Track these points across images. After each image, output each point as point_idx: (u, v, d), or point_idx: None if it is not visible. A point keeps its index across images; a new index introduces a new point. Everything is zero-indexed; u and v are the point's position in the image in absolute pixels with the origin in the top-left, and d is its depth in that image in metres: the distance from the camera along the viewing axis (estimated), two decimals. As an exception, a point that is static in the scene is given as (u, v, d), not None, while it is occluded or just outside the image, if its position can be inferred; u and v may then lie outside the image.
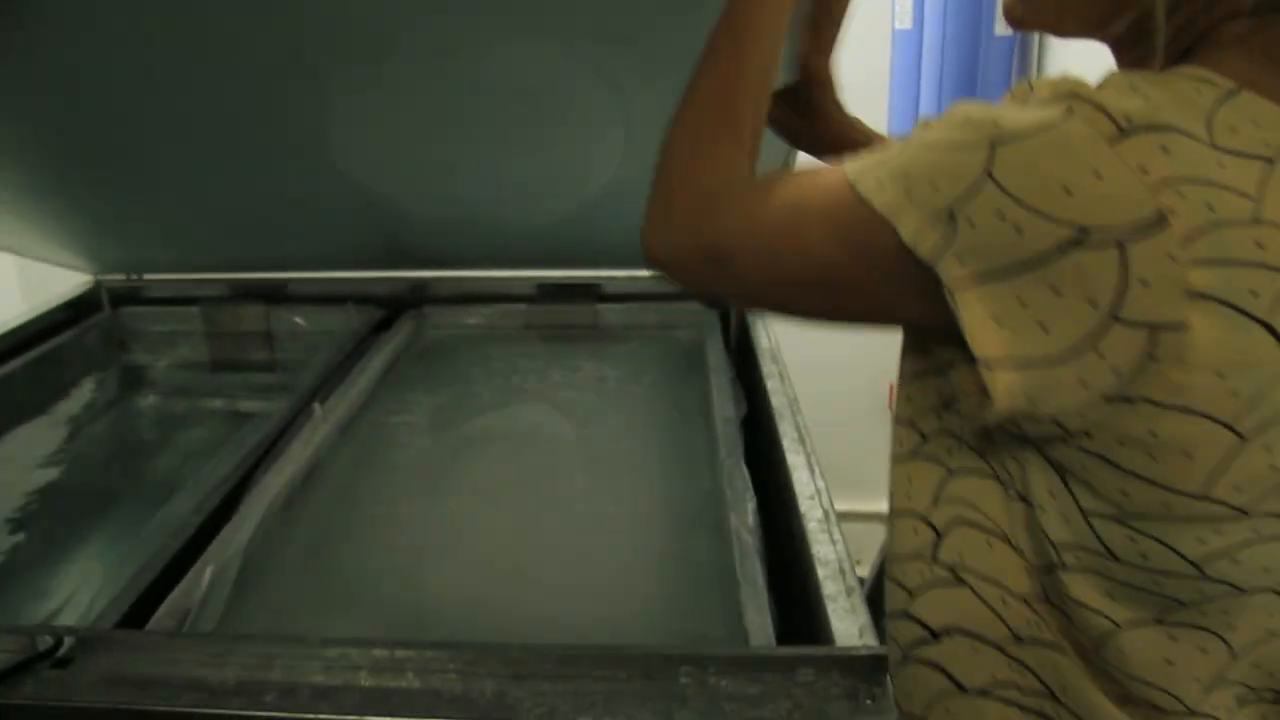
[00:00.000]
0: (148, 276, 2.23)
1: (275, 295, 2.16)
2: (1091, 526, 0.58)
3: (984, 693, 0.68)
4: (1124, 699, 0.63)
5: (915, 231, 0.56)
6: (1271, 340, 0.51)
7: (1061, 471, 0.59)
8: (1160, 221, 0.50)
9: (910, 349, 0.71)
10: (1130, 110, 0.52)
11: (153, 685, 0.88)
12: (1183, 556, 0.56)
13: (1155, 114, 0.52)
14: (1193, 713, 0.63)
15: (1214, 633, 0.60)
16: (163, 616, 1.05)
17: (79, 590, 1.40)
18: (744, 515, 1.21)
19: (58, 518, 1.60)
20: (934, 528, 0.68)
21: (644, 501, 1.38)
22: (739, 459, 1.36)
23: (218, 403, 2.07)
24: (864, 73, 2.72)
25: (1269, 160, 0.52)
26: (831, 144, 1.02)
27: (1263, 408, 0.52)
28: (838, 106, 1.03)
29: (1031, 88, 0.57)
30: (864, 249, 0.59)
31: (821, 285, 0.63)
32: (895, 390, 0.75)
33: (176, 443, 1.94)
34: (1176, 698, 0.62)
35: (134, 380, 2.13)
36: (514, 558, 1.24)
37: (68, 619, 1.30)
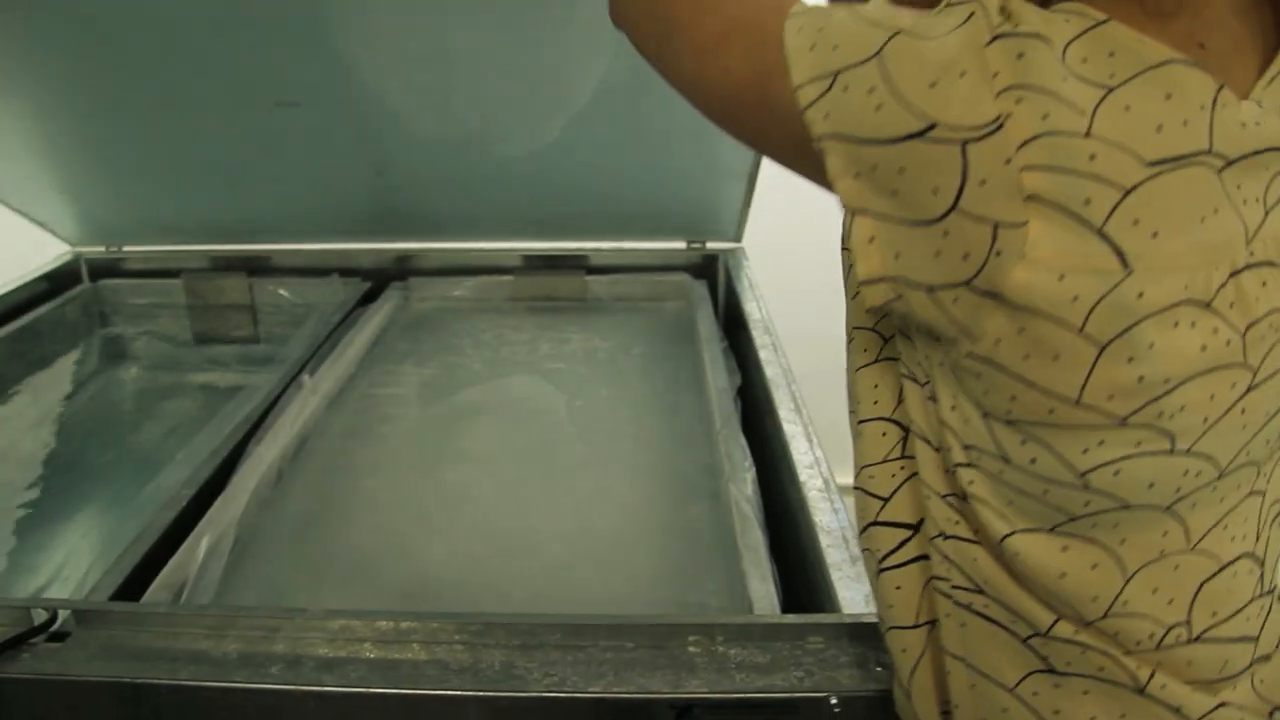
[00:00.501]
0: (127, 248, 2.19)
1: (258, 267, 2.13)
2: (990, 429, 0.60)
3: (929, 586, 0.69)
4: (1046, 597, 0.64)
5: (802, 79, 0.59)
6: (1110, 251, 0.53)
7: (959, 374, 0.61)
8: (998, 126, 0.53)
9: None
10: (1012, 17, 0.55)
11: (153, 658, 0.87)
12: (1068, 465, 0.58)
13: (1029, 23, 0.55)
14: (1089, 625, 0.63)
15: (1105, 548, 0.61)
16: (158, 589, 1.03)
17: (66, 565, 1.38)
18: (743, 485, 1.21)
19: (41, 492, 1.57)
20: (901, 427, 0.69)
21: (640, 472, 1.37)
22: (736, 429, 1.36)
23: (200, 376, 2.04)
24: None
25: (1110, 88, 0.54)
26: None
27: (1116, 318, 0.54)
28: None
29: None
30: (763, 77, 0.62)
31: (731, 95, 0.65)
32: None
33: (159, 415, 1.91)
34: (1076, 610, 0.63)
35: (115, 353, 2.10)
36: (512, 529, 1.23)
37: (57, 593, 1.29)
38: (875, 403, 0.71)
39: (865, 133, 0.57)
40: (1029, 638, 0.65)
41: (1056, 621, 0.63)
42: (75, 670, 0.85)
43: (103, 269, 2.18)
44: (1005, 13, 0.56)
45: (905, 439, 0.69)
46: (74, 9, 1.53)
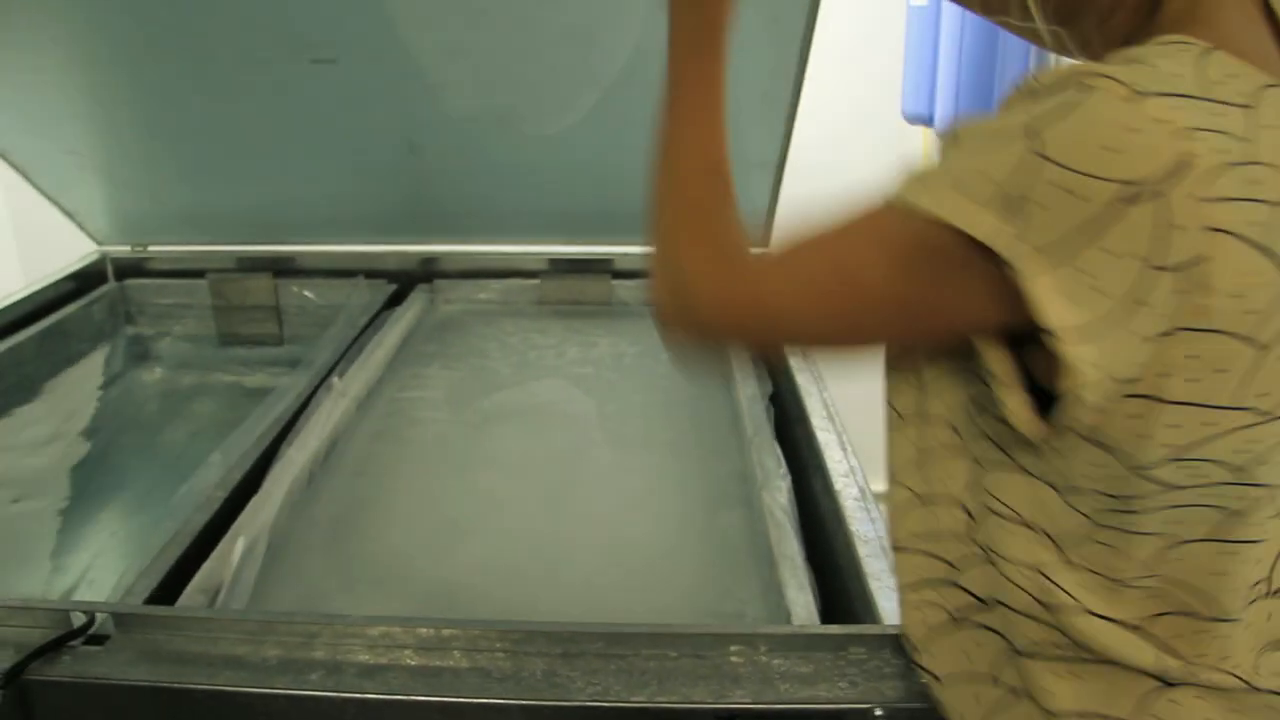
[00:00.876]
0: (153, 248, 2.20)
1: (283, 268, 2.13)
2: (1146, 475, 0.63)
3: (1031, 655, 0.71)
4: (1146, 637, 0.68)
5: (991, 228, 0.59)
6: (1271, 264, 0.57)
7: (1106, 441, 0.62)
8: (1184, 166, 0.55)
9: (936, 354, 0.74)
10: (1137, 78, 0.57)
11: (192, 663, 0.87)
12: (1227, 466, 0.62)
13: (1165, 80, 0.58)
14: (1228, 620, 0.68)
15: (1253, 541, 0.67)
16: (193, 592, 1.03)
17: (93, 566, 1.38)
18: (777, 493, 1.20)
19: (67, 492, 1.58)
20: (969, 513, 0.73)
21: (672, 479, 1.37)
22: (769, 436, 1.35)
23: (225, 377, 2.04)
24: (879, 50, 2.70)
25: (1248, 107, 0.58)
26: None
27: (1275, 321, 0.58)
28: None
29: (1037, 81, 0.62)
30: (931, 265, 0.62)
31: (891, 318, 0.66)
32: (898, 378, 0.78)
33: (184, 416, 1.91)
34: (1222, 607, 0.67)
35: (140, 353, 2.11)
36: (544, 535, 1.23)
37: (86, 594, 1.29)
38: (944, 484, 0.74)
39: (1072, 225, 0.57)
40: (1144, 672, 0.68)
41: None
42: (116, 674, 0.85)
43: (129, 268, 2.19)
44: (1129, 59, 0.59)
45: (972, 524, 0.73)
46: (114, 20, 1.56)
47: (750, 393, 1.50)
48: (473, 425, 1.53)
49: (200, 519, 1.17)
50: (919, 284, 0.63)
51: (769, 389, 1.53)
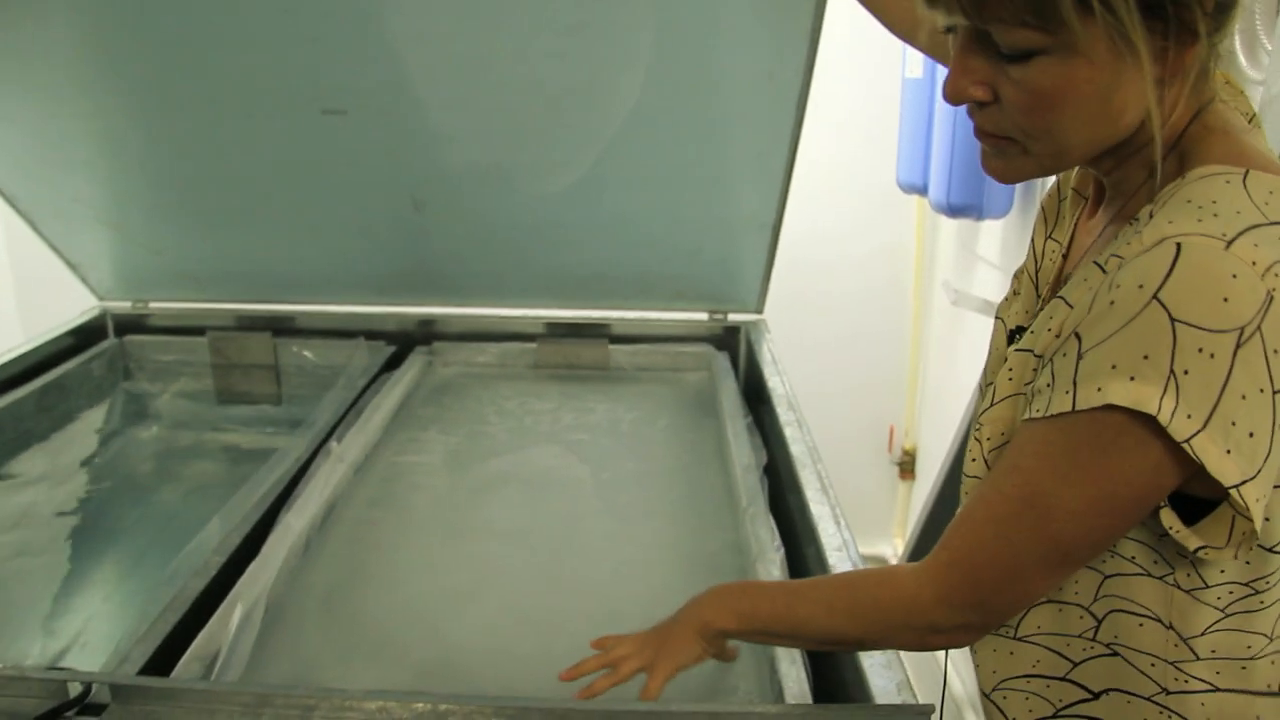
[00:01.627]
0: (154, 305, 2.22)
1: (282, 327, 2.15)
2: (1275, 551, 0.72)
3: None
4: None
5: (1167, 409, 0.65)
6: None
7: (1246, 531, 0.70)
8: (1271, 302, 0.64)
9: None
10: (1216, 227, 0.65)
11: (189, 735, 0.87)
12: None
13: (1233, 219, 0.66)
14: None
15: None
16: (190, 661, 1.03)
17: (86, 630, 1.38)
18: (771, 565, 1.21)
19: (62, 553, 1.57)
20: (1094, 615, 0.79)
21: (666, 550, 1.38)
22: (763, 508, 1.36)
23: (222, 437, 2.05)
24: (874, 121, 2.75)
25: None
26: None
27: None
28: None
29: (1119, 256, 0.70)
30: (1107, 454, 0.69)
31: (1092, 524, 0.72)
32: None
33: (181, 476, 1.92)
34: None
35: (138, 410, 2.12)
36: (539, 606, 1.23)
37: (77, 659, 1.28)
38: (1075, 594, 0.80)
39: (1214, 385, 0.65)
40: None
41: None
42: (113, 746, 0.86)
43: (129, 325, 2.21)
44: (1195, 206, 0.68)
45: (1097, 626, 0.80)
46: (119, 41, 1.61)
47: (745, 463, 1.51)
48: (469, 492, 1.54)
49: (197, 585, 1.18)
50: (1111, 483, 0.70)
51: (764, 459, 1.55)
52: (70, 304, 2.21)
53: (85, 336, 2.15)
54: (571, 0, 1.51)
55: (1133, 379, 0.66)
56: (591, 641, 0.97)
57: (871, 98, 2.73)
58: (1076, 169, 0.90)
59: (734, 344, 2.11)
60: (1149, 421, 0.66)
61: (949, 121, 2.23)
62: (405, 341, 2.10)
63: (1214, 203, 0.68)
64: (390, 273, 2.08)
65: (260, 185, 1.91)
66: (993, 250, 2.51)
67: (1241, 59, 1.48)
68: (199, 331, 2.17)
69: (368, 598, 1.25)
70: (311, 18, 1.54)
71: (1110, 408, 0.67)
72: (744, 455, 1.54)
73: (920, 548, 2.19)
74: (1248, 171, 0.69)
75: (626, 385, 2.01)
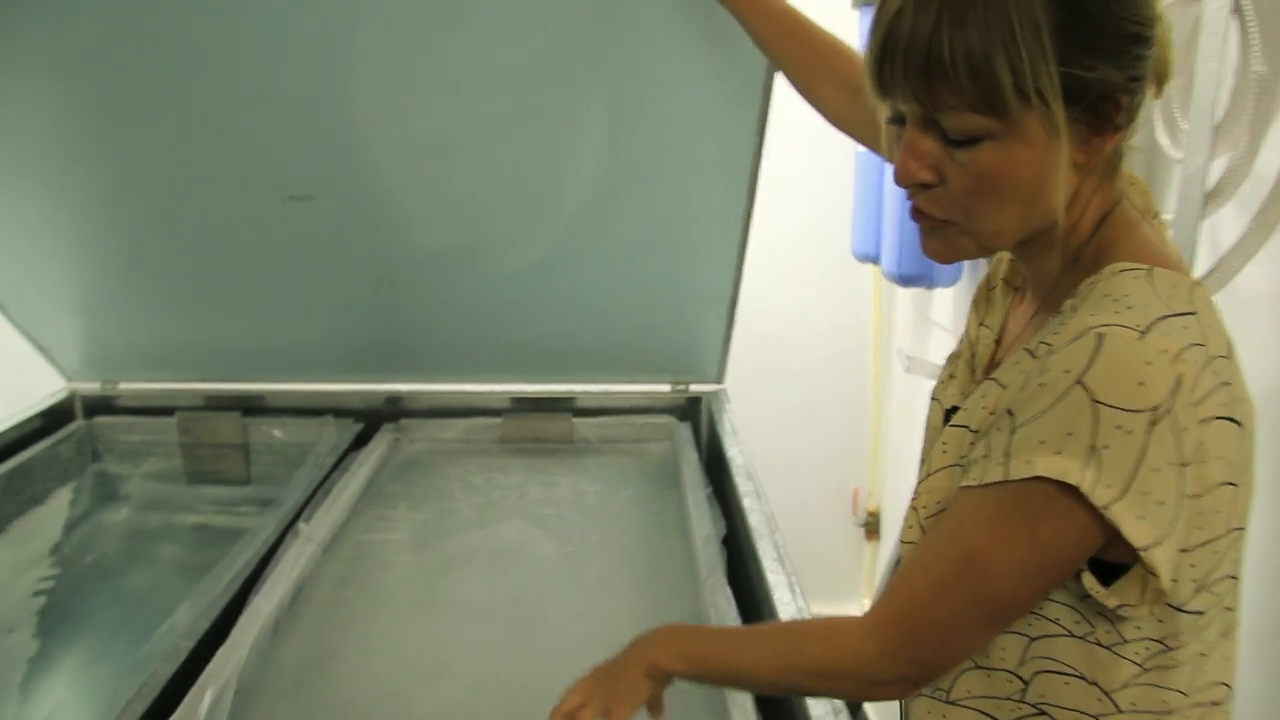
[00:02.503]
0: (123, 385, 2.24)
1: (252, 406, 2.18)
2: (1184, 610, 0.79)
3: None
4: None
5: (1089, 480, 0.72)
6: (1236, 427, 0.76)
7: (1157, 589, 0.77)
8: (1180, 384, 0.72)
9: None
10: (1131, 319, 0.74)
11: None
12: (1230, 576, 0.81)
13: (1145, 312, 0.75)
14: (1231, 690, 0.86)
15: (1235, 621, 0.84)
16: (162, 747, 1.05)
17: (53, 718, 1.39)
18: (729, 636, 1.24)
19: (29, 637, 1.58)
20: (1021, 678, 0.85)
21: (628, 623, 1.39)
22: (721, 579, 1.40)
23: (192, 517, 2.07)
24: (827, 195, 2.85)
25: (1193, 313, 0.76)
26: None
27: (1239, 461, 0.77)
28: None
29: (1047, 345, 0.77)
30: (1038, 521, 0.76)
31: (1024, 585, 0.79)
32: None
33: (150, 558, 1.93)
34: (1228, 685, 0.84)
35: (107, 492, 2.13)
36: (508, 679, 1.26)
37: (45, 749, 1.30)
38: (1002, 660, 0.85)
39: (1130, 458, 0.72)
40: None
41: None
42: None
43: (97, 406, 2.23)
44: (1113, 300, 0.76)
45: (1025, 688, 0.85)
46: (92, 127, 1.67)
47: (705, 534, 1.56)
48: (437, 569, 1.57)
49: (166, 670, 1.20)
50: (1040, 548, 0.76)
51: (723, 530, 1.59)
52: (36, 380, 2.22)
53: (53, 418, 2.17)
54: (533, 87, 1.59)
55: (1059, 453, 0.73)
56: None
57: (827, 172, 2.83)
58: (1006, 262, 0.97)
59: (696, 414, 2.17)
60: (1073, 491, 0.73)
61: (898, 195, 2.32)
62: (372, 419, 2.13)
63: (1127, 296, 0.76)
64: (357, 351, 2.12)
65: (229, 267, 1.96)
66: (946, 316, 2.59)
67: (1162, 139, 1.57)
68: (168, 412, 2.19)
69: (338, 676, 1.27)
70: (281, 108, 1.61)
71: (1039, 479, 0.74)
72: (704, 526, 1.58)
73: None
74: (1152, 268, 0.78)
75: (591, 457, 2.05)
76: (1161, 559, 0.74)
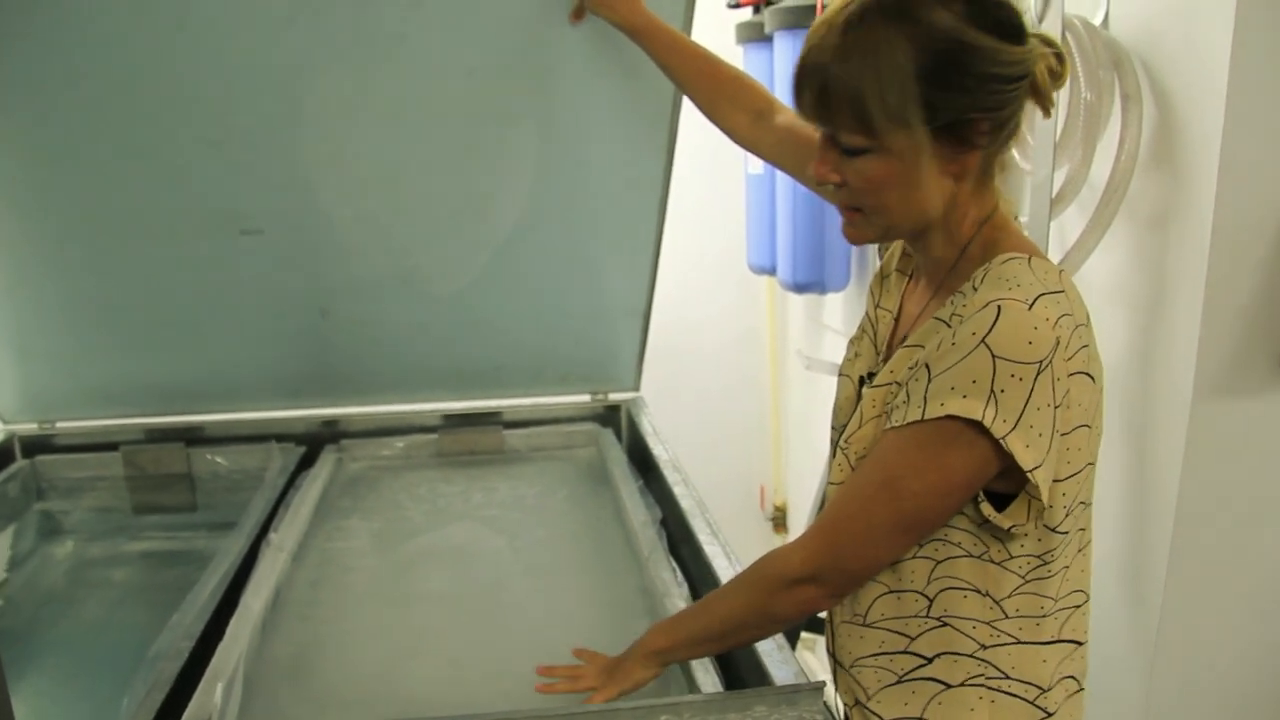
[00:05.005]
0: (60, 425, 2.30)
1: (194, 437, 2.27)
2: (1056, 530, 1.01)
3: (963, 685, 1.05)
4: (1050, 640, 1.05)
5: (989, 416, 0.93)
6: (1090, 379, 0.98)
7: (1038, 510, 1.00)
8: (1059, 343, 0.94)
9: None
10: (1021, 295, 0.95)
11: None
12: (1085, 502, 1.04)
13: (1030, 289, 0.96)
14: (1088, 598, 1.09)
15: (1089, 539, 1.08)
16: (188, 727, 1.18)
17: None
18: (677, 600, 1.43)
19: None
20: (927, 596, 1.05)
21: (584, 598, 1.58)
22: (663, 554, 1.59)
23: (140, 545, 2.14)
24: (723, 214, 3.07)
25: (1062, 291, 0.98)
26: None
27: (1092, 408, 1.00)
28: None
29: (958, 310, 0.98)
30: (950, 450, 0.96)
31: (936, 504, 1.00)
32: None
33: (103, 585, 2.00)
34: (1085, 593, 1.08)
35: (52, 528, 2.18)
36: (480, 656, 1.42)
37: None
38: (910, 580, 1.06)
39: (1020, 399, 0.93)
40: None
41: None
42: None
43: (37, 446, 2.28)
44: (1006, 280, 0.97)
45: (929, 604, 1.06)
46: (37, 168, 1.77)
47: (642, 519, 1.73)
48: (400, 568, 1.71)
49: (173, 667, 1.32)
50: (949, 470, 0.97)
51: (659, 515, 1.77)
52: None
53: (-7, 461, 2.22)
54: (463, 123, 1.76)
55: (966, 396, 0.94)
56: (574, 650, 1.25)
57: (721, 194, 3.05)
58: (898, 254, 1.19)
59: (616, 420, 2.35)
60: (977, 426, 0.94)
61: (790, 212, 2.55)
62: (314, 442, 2.25)
63: (1016, 277, 0.98)
64: (297, 378, 2.23)
65: (169, 304, 2.05)
66: (836, 319, 2.84)
67: (1015, 154, 1.82)
68: (110, 447, 2.26)
69: (328, 663, 1.41)
70: (221, 147, 1.75)
71: (950, 417, 0.95)
72: (640, 514, 1.76)
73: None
74: (1031, 257, 1.00)
75: (524, 465, 2.21)
76: (1043, 479, 0.96)
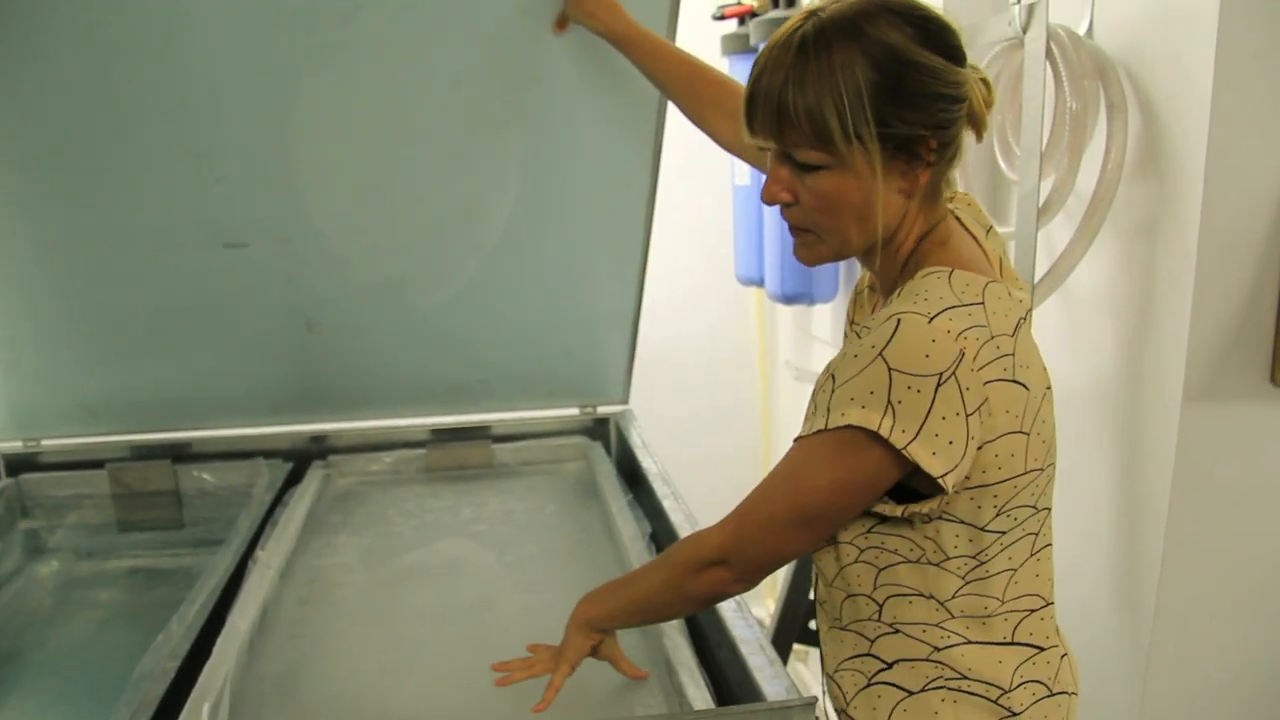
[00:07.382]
0: (45, 442, 2.28)
1: (180, 454, 2.26)
2: (988, 530, 1.04)
3: (925, 690, 1.08)
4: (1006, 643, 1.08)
5: (886, 426, 0.96)
6: (1020, 386, 1.00)
7: (962, 518, 1.03)
8: (963, 354, 0.96)
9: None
10: (924, 308, 0.98)
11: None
12: (1031, 506, 1.06)
13: (936, 302, 0.99)
14: (1051, 603, 1.11)
15: (1044, 545, 1.10)
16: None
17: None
18: (668, 614, 1.42)
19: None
20: (876, 601, 1.09)
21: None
22: (654, 568, 1.58)
23: (127, 562, 2.13)
24: (711, 225, 3.07)
25: (981, 303, 1.00)
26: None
27: (1028, 415, 1.01)
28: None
29: (865, 326, 1.00)
30: (853, 456, 1.00)
31: (838, 505, 1.04)
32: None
33: (90, 605, 1.99)
34: (1043, 598, 1.10)
35: (38, 547, 2.17)
36: (470, 671, 1.40)
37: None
38: (859, 586, 1.10)
39: (919, 410, 0.95)
40: None
41: None
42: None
43: (21, 464, 2.27)
44: (914, 295, 0.99)
45: (879, 610, 1.10)
46: (21, 185, 1.76)
47: (632, 533, 1.73)
48: (389, 584, 1.70)
49: (158, 688, 1.30)
50: (847, 472, 1.01)
51: (649, 529, 1.76)
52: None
53: (-23, 481, 2.20)
54: (450, 130, 1.76)
55: (864, 407, 0.97)
56: (527, 645, 1.32)
57: (706, 205, 3.06)
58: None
59: (605, 434, 2.34)
60: (873, 435, 0.97)
61: (777, 224, 2.56)
62: (301, 458, 2.23)
63: (926, 291, 1.01)
64: (284, 393, 2.22)
65: (154, 317, 2.04)
66: (825, 330, 2.84)
67: (1002, 165, 1.83)
68: (96, 465, 2.24)
69: (318, 679, 1.40)
70: (208, 160, 1.74)
71: (850, 426, 0.98)
72: (629, 528, 1.76)
73: (789, 600, 2.43)
74: (953, 270, 1.03)
75: (513, 479, 2.20)
76: (951, 483, 0.98)
